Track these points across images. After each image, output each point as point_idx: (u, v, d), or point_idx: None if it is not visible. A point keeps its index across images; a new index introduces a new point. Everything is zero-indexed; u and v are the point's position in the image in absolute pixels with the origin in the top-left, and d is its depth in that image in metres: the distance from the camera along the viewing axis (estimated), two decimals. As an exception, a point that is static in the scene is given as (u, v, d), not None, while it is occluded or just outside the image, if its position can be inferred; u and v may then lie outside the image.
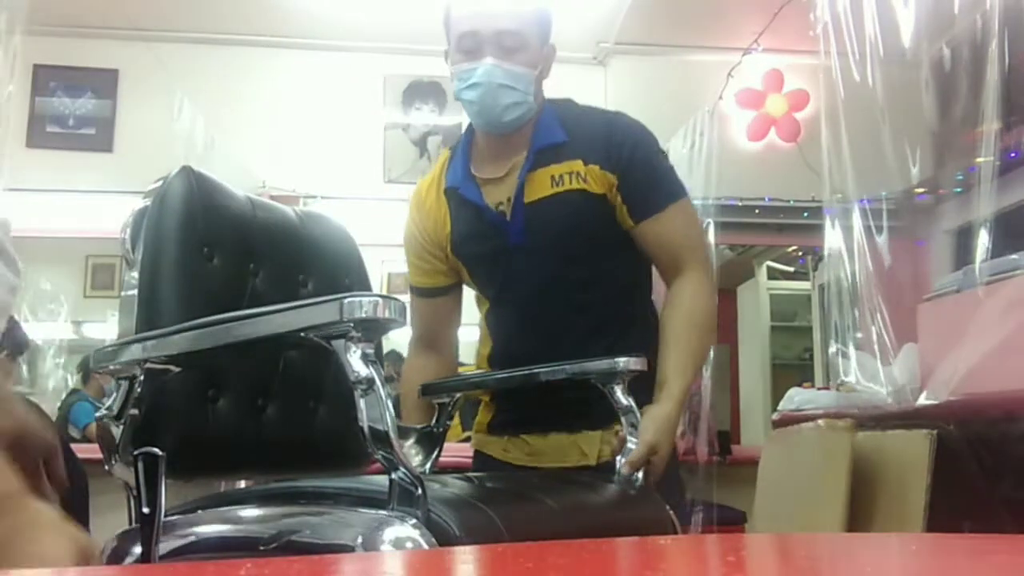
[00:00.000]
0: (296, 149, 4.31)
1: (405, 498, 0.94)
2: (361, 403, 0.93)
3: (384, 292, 3.74)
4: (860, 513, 2.07)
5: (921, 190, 2.87)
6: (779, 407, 3.13)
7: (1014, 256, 1.98)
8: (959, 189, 2.67)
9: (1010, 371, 1.80)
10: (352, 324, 0.92)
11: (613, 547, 0.68)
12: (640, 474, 1.38)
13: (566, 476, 1.45)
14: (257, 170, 4.11)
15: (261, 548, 0.97)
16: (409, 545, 0.90)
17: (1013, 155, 2.90)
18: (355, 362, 0.93)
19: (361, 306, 0.91)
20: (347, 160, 4.41)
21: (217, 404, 1.27)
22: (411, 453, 1.57)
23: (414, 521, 0.93)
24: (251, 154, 4.08)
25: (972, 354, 1.92)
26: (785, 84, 4.49)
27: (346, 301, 0.91)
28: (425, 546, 0.90)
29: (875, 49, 2.57)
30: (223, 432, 1.28)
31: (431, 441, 1.59)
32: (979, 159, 2.23)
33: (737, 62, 4.29)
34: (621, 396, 1.42)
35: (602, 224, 1.53)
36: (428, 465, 1.58)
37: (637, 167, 1.52)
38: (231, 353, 1.14)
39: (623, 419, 1.41)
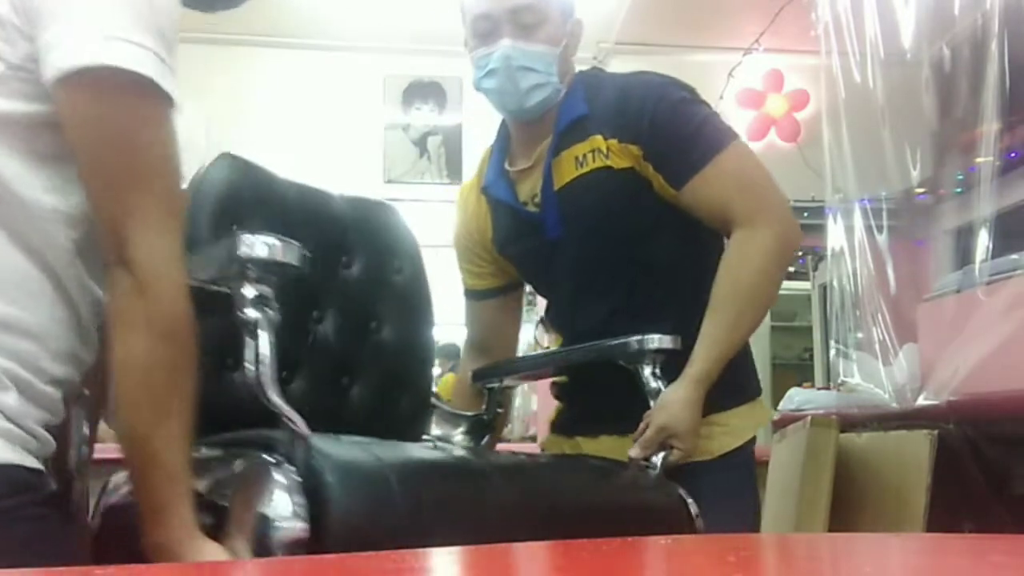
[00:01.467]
0: (296, 149, 4.31)
1: (287, 446, 0.93)
2: (246, 345, 0.92)
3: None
4: (859, 513, 2.07)
5: (921, 190, 2.86)
6: (779, 407, 3.13)
7: (1014, 256, 1.98)
8: (959, 189, 2.66)
9: (1010, 371, 1.80)
10: (247, 264, 0.90)
11: (612, 547, 0.68)
12: (658, 460, 1.26)
13: (569, 461, 1.41)
14: (257, 170, 4.12)
15: None
16: (275, 490, 0.87)
17: (1013, 155, 2.90)
18: (245, 303, 0.91)
19: (255, 245, 0.90)
20: (347, 160, 4.41)
21: (234, 373, 1.27)
22: (461, 441, 1.55)
23: (287, 466, 0.90)
24: (251, 154, 4.07)
25: (972, 354, 1.92)
26: (785, 84, 4.49)
27: (241, 239, 0.89)
28: (279, 491, 0.87)
29: (875, 49, 2.57)
30: (237, 401, 1.30)
31: (482, 428, 1.56)
32: (979, 159, 2.22)
33: (737, 62, 4.30)
34: (650, 377, 1.32)
35: (637, 201, 1.39)
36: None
37: (660, 133, 1.36)
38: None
39: (652, 402, 1.32)
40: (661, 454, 1.27)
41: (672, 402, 1.28)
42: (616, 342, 1.35)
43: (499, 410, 1.57)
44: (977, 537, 0.93)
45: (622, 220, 1.41)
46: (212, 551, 0.82)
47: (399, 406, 1.48)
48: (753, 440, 1.46)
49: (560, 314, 1.57)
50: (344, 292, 1.44)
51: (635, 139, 1.36)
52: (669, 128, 1.36)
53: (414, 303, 1.54)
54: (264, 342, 0.91)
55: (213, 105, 4.07)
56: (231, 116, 4.21)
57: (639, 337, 1.32)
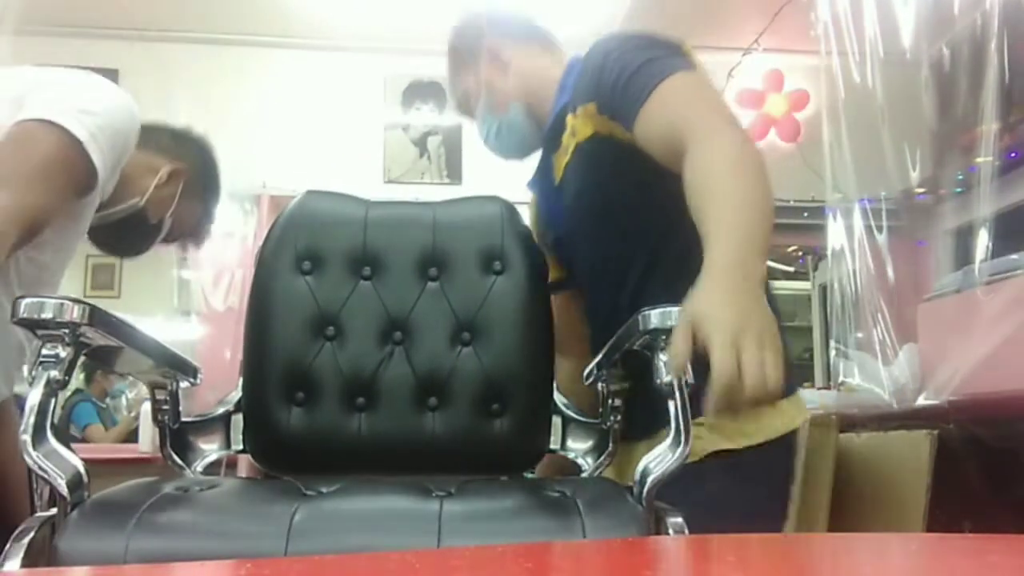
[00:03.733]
0: (296, 149, 4.31)
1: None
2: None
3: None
4: (859, 513, 2.07)
5: (921, 190, 2.86)
6: (779, 407, 3.12)
7: (1014, 256, 1.98)
8: (959, 189, 2.67)
9: (1010, 371, 1.80)
10: (35, 323, 0.90)
11: (612, 547, 0.68)
12: (712, 401, 0.85)
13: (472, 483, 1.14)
14: (257, 170, 4.11)
15: None
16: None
17: (1013, 155, 2.91)
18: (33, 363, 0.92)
19: (42, 307, 0.89)
20: (347, 160, 4.41)
21: (303, 406, 1.34)
22: (579, 450, 1.41)
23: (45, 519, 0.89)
24: (251, 154, 4.08)
25: (972, 354, 1.92)
26: (785, 84, 4.50)
27: (23, 302, 0.89)
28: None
29: (875, 49, 2.57)
30: (306, 431, 1.33)
31: (603, 440, 1.36)
32: (979, 159, 2.23)
33: (737, 62, 4.30)
34: (663, 367, 0.96)
35: (616, 170, 1.26)
36: (597, 464, 1.37)
37: (607, 75, 1.22)
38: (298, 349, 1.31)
39: (671, 403, 0.97)
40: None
41: (699, 294, 0.91)
42: (625, 326, 1.07)
43: (614, 416, 1.31)
44: (977, 537, 0.93)
45: (610, 199, 1.29)
46: None
47: (494, 426, 1.37)
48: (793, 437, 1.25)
49: (586, 311, 1.46)
50: (430, 305, 1.40)
51: (589, 96, 1.26)
52: (614, 68, 1.22)
53: (522, 302, 1.40)
54: (33, 399, 0.90)
55: (213, 105, 4.07)
56: (231, 116, 4.20)
57: (644, 311, 0.98)
